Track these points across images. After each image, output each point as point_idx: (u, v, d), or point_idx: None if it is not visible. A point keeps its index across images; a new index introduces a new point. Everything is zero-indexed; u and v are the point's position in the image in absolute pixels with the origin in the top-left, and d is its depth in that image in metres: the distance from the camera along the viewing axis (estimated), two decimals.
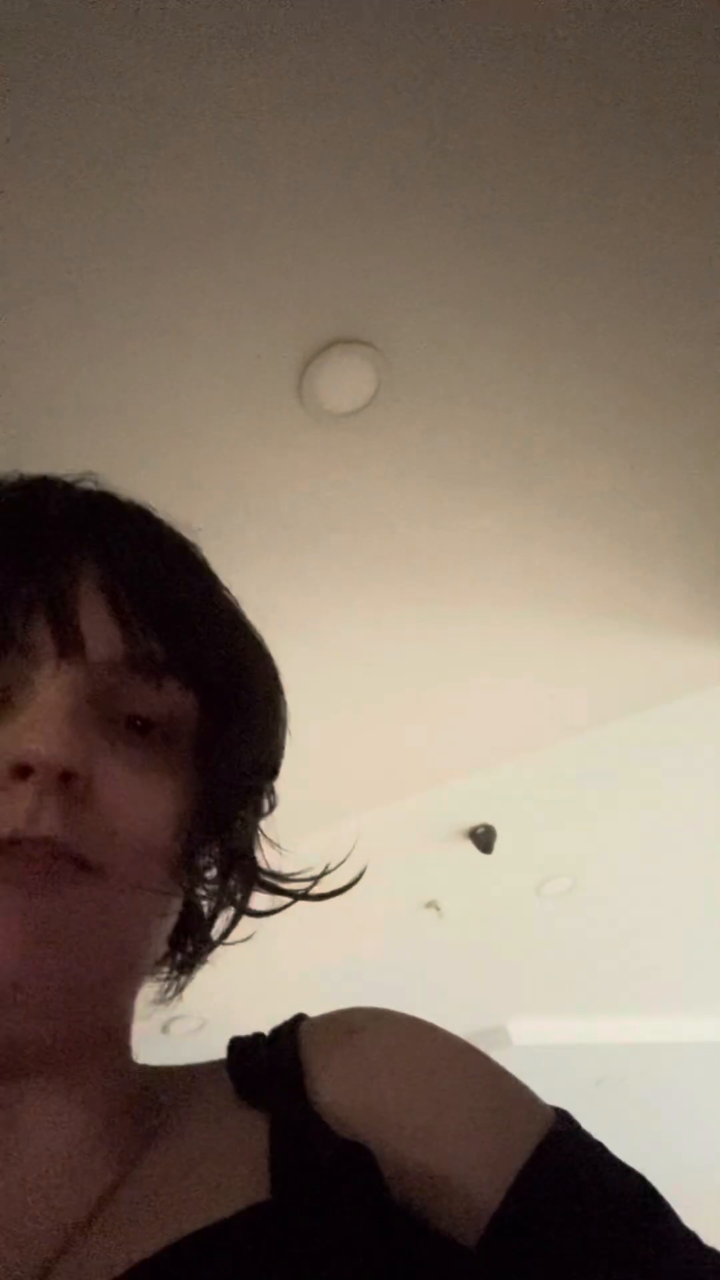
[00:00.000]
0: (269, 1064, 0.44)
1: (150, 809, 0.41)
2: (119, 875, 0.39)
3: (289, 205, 1.48)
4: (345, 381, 1.72)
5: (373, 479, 1.93)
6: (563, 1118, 0.42)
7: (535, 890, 3.29)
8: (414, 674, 2.40)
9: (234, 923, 0.49)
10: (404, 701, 2.48)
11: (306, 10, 1.28)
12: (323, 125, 1.40)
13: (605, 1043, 4.06)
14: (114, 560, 0.43)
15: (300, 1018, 0.48)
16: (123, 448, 1.76)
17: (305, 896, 0.48)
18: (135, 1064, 0.47)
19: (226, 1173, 0.39)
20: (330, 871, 0.49)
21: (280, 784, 0.51)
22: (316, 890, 0.48)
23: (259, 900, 0.49)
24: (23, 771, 0.38)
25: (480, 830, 2.94)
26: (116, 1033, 0.45)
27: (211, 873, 0.47)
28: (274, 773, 0.50)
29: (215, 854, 0.47)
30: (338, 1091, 0.42)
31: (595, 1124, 0.43)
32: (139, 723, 0.42)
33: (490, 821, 2.94)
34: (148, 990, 0.48)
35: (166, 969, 0.49)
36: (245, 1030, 0.49)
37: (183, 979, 0.50)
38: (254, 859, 0.49)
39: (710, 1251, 0.37)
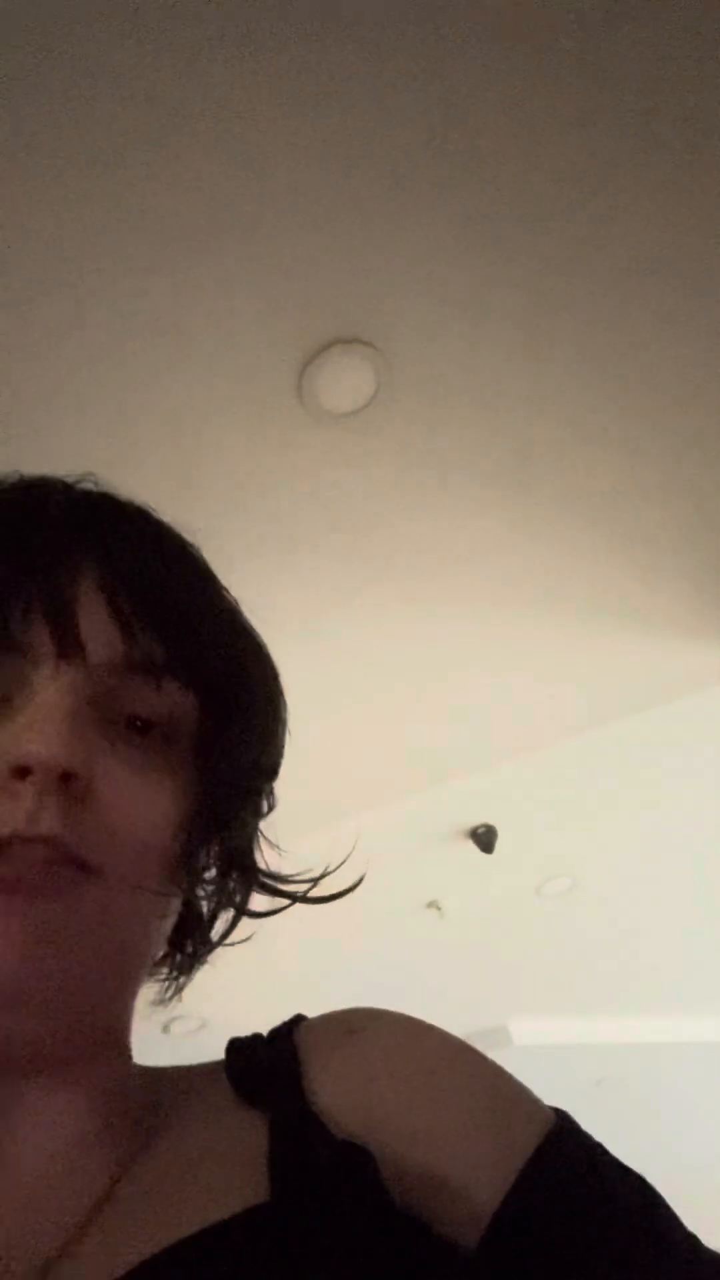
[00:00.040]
0: (268, 1065, 0.44)
1: (150, 809, 0.41)
2: (118, 876, 0.39)
3: (289, 205, 1.48)
4: (345, 381, 1.72)
5: (373, 479, 1.93)
6: (562, 1118, 0.42)
7: (536, 890, 3.29)
8: (414, 673, 2.40)
9: (233, 924, 0.49)
10: (404, 701, 2.48)
11: (307, 10, 1.28)
12: (323, 125, 1.40)
13: (605, 1043, 4.07)
14: (114, 561, 0.43)
15: (299, 1018, 0.48)
16: (123, 447, 1.76)
17: (305, 899, 0.48)
18: (134, 1065, 0.47)
19: (225, 1174, 0.39)
20: (330, 873, 0.49)
21: (280, 784, 0.51)
22: (316, 892, 0.48)
23: (258, 901, 0.49)
24: (22, 772, 0.38)
25: (481, 830, 2.94)
26: (116, 1033, 0.45)
27: (211, 873, 0.47)
28: (274, 773, 0.50)
29: (215, 855, 0.47)
30: (337, 1092, 0.42)
31: (595, 1124, 0.43)
32: (139, 723, 0.42)
33: (491, 821, 2.94)
34: (147, 990, 0.48)
35: (166, 969, 0.49)
36: (246, 1031, 0.48)
37: (182, 979, 0.50)
38: (253, 860, 0.49)
39: (709, 1253, 0.37)
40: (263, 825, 0.50)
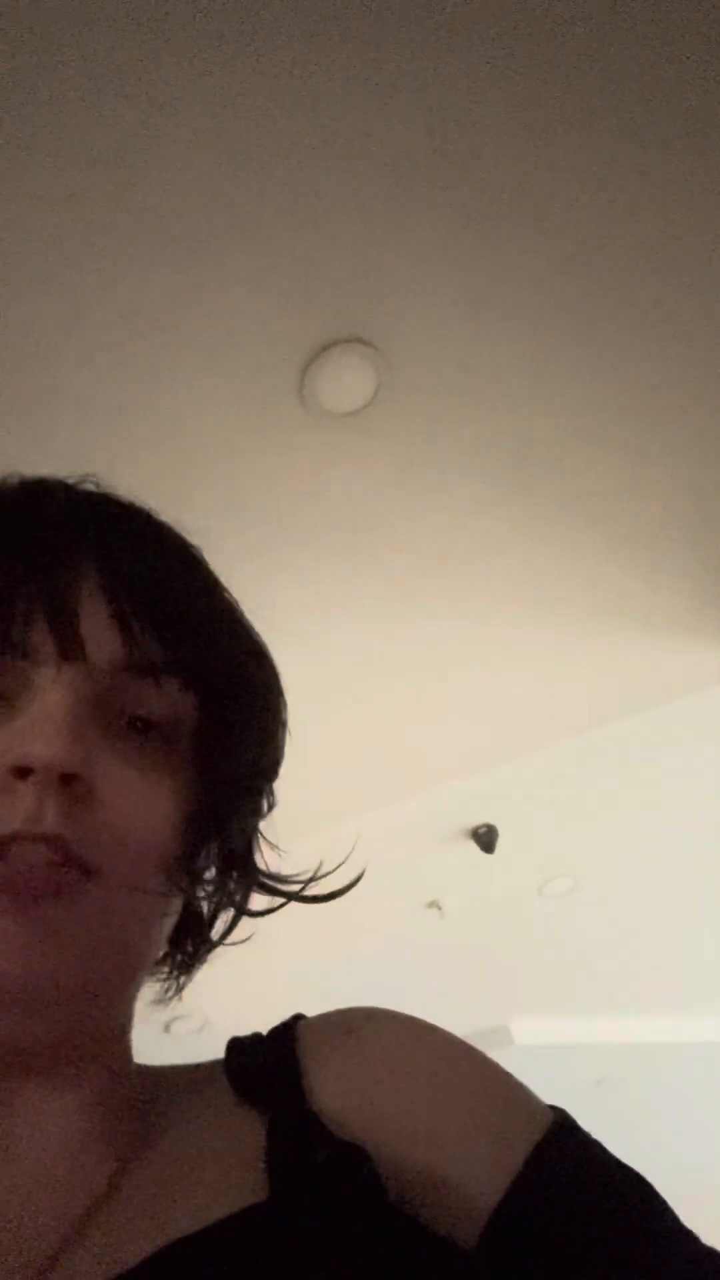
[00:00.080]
0: (267, 1064, 0.44)
1: (150, 810, 0.42)
2: (119, 876, 0.39)
3: (289, 205, 1.48)
4: (346, 381, 1.72)
5: (373, 478, 1.93)
6: (561, 1117, 0.42)
7: (537, 890, 3.29)
8: (415, 674, 2.40)
9: (233, 923, 0.49)
10: (405, 701, 2.48)
11: (307, 10, 1.28)
12: (323, 125, 1.40)
13: (606, 1043, 4.06)
14: (115, 562, 0.43)
15: (298, 1018, 0.48)
16: (123, 448, 1.76)
17: (304, 898, 0.48)
18: (134, 1064, 0.47)
19: (224, 1173, 0.39)
20: (330, 873, 0.49)
21: (281, 784, 0.51)
22: (315, 891, 0.48)
23: (258, 901, 0.49)
24: (24, 773, 0.38)
25: (482, 830, 2.94)
26: (116, 1033, 0.45)
27: (211, 873, 0.48)
28: (274, 773, 0.50)
29: (215, 855, 0.47)
30: (336, 1091, 0.42)
31: (596, 1124, 0.43)
32: (139, 724, 0.42)
33: (492, 821, 2.94)
34: (148, 990, 0.48)
35: (166, 969, 0.49)
36: (248, 1030, 0.49)
37: (182, 979, 0.50)
38: (253, 860, 0.49)
39: (708, 1251, 0.37)
40: (263, 825, 0.50)
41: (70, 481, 0.49)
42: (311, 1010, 0.49)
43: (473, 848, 2.96)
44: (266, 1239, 0.36)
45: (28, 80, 1.29)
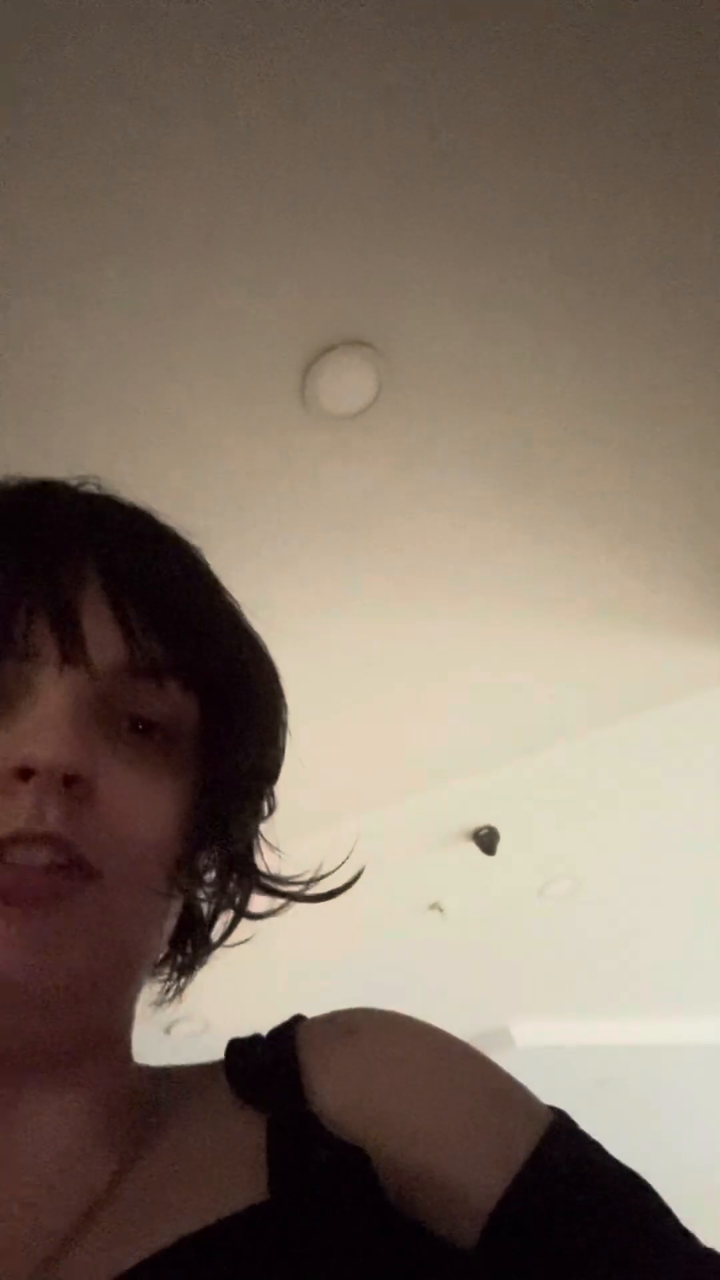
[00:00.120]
0: (267, 1065, 0.45)
1: (151, 811, 0.42)
2: (119, 877, 0.40)
3: (289, 206, 1.48)
4: (347, 383, 1.72)
5: (374, 479, 1.93)
6: (560, 1117, 0.42)
7: (538, 891, 3.29)
8: (415, 674, 2.40)
9: (233, 925, 0.49)
10: (405, 701, 2.48)
11: (308, 10, 1.28)
12: (325, 126, 1.40)
13: (608, 1044, 4.06)
14: (116, 564, 0.43)
15: (298, 1018, 0.48)
16: (124, 449, 1.76)
17: (304, 898, 0.48)
18: (135, 1065, 0.47)
19: (224, 1173, 0.40)
20: (329, 874, 0.49)
21: (281, 785, 0.51)
22: (315, 891, 0.48)
23: (259, 902, 0.49)
24: (26, 774, 0.38)
25: (483, 832, 2.94)
26: (117, 1033, 0.45)
27: (211, 875, 0.48)
28: (274, 775, 0.50)
29: (215, 856, 0.47)
30: (336, 1092, 0.42)
31: (597, 1125, 0.43)
32: (141, 725, 0.43)
33: (492, 823, 2.94)
34: (149, 992, 0.48)
35: (167, 970, 0.49)
36: (248, 1033, 0.49)
37: (183, 980, 0.50)
38: (254, 861, 0.49)
39: (707, 1252, 0.37)
40: (263, 826, 0.50)
41: (72, 483, 0.49)
42: (312, 1012, 0.49)
43: (473, 848, 2.96)
44: (267, 1239, 0.36)
45: (29, 81, 1.29)
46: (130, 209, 1.44)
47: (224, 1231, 0.36)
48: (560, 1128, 0.41)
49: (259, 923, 0.49)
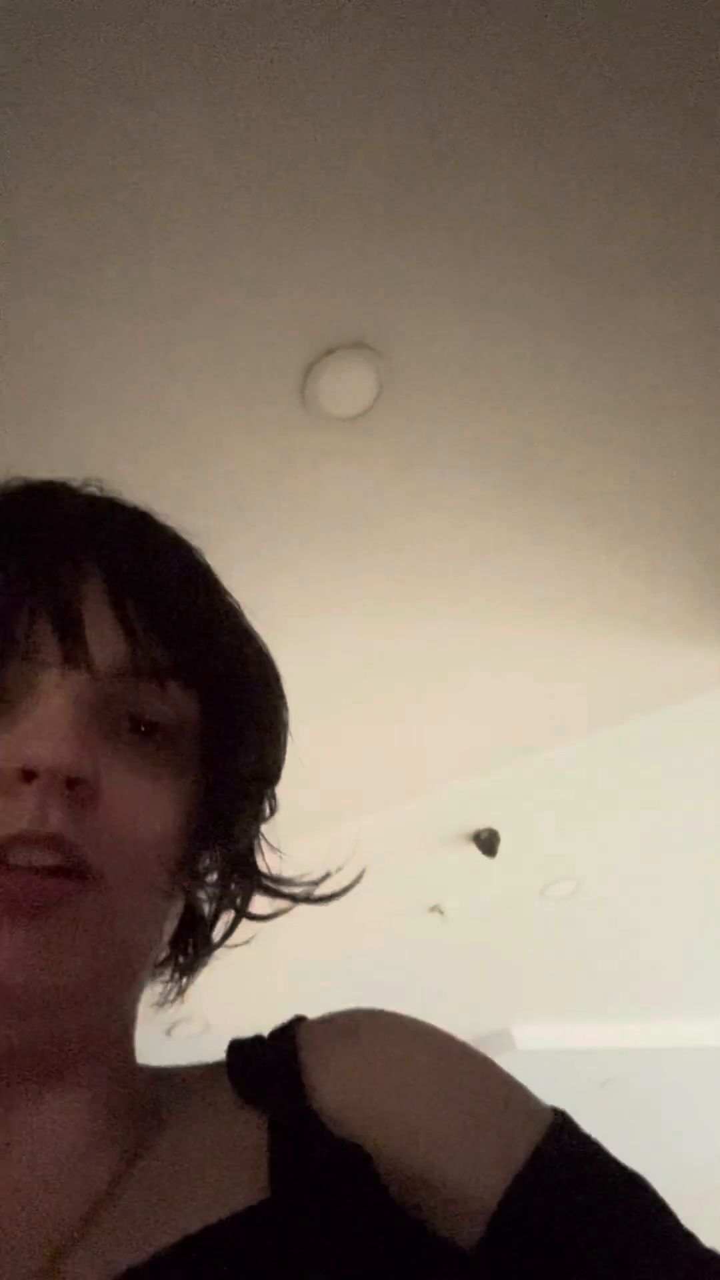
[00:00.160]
0: (268, 1064, 0.45)
1: (153, 813, 0.42)
2: (121, 878, 0.40)
3: (289, 207, 1.48)
4: (347, 385, 1.72)
5: (374, 481, 1.94)
6: (561, 1117, 0.42)
7: (539, 892, 3.29)
8: (415, 674, 2.40)
9: (233, 925, 0.49)
10: (405, 701, 2.48)
11: (307, 10, 1.28)
12: (324, 126, 1.40)
13: (609, 1047, 4.06)
14: (118, 566, 0.44)
15: (299, 1019, 0.48)
16: (124, 449, 1.76)
17: (305, 900, 0.48)
18: (137, 1065, 0.47)
19: (226, 1173, 0.40)
20: (331, 876, 0.49)
21: (282, 785, 0.51)
22: (317, 894, 0.48)
23: (260, 903, 0.49)
24: (28, 776, 0.38)
25: (484, 834, 2.94)
26: (118, 1034, 0.45)
27: (213, 876, 0.48)
28: (276, 776, 0.50)
29: (217, 857, 0.47)
30: (336, 1092, 0.42)
31: (597, 1125, 0.43)
32: (143, 727, 0.43)
33: (493, 824, 2.94)
34: (150, 993, 0.48)
35: (168, 971, 0.49)
36: (250, 1034, 0.49)
37: (184, 981, 0.50)
38: (255, 862, 0.49)
39: (707, 1251, 0.37)
40: (265, 828, 0.50)
41: (73, 484, 0.49)
42: (312, 1013, 0.49)
43: (474, 850, 2.96)
44: (268, 1239, 0.36)
45: (30, 80, 1.29)
46: (130, 209, 1.44)
47: (225, 1231, 0.36)
48: (561, 1127, 0.41)
49: (260, 924, 0.49)
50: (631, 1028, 4.11)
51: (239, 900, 0.49)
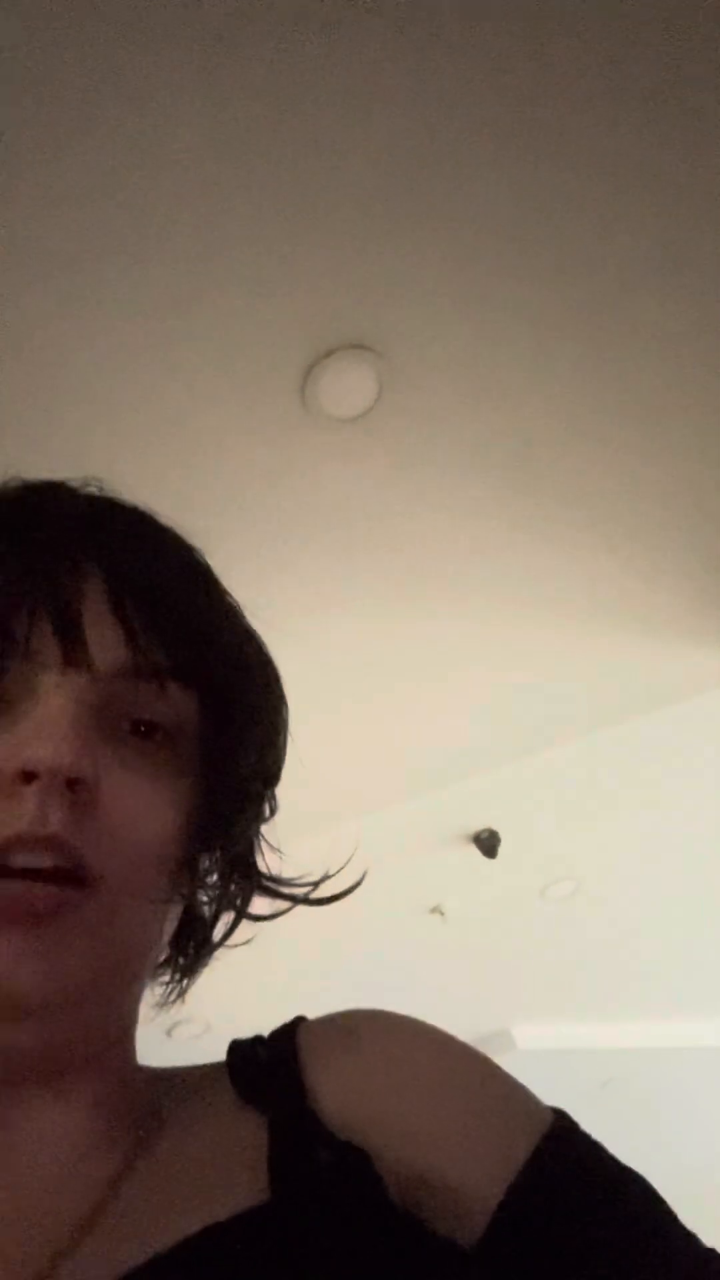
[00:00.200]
0: (268, 1065, 0.45)
1: (153, 814, 0.42)
2: (121, 880, 0.40)
3: (289, 208, 1.48)
4: (348, 386, 1.72)
5: (375, 482, 1.94)
6: (561, 1118, 0.42)
7: (540, 893, 3.29)
8: (415, 674, 2.40)
9: (233, 926, 0.49)
10: (405, 702, 2.48)
11: (308, 10, 1.28)
12: (324, 126, 1.40)
13: (609, 1047, 4.06)
14: (119, 567, 0.43)
15: (300, 1019, 0.48)
16: (124, 449, 1.76)
17: (306, 901, 0.48)
18: (137, 1066, 0.47)
19: (226, 1174, 0.40)
20: (331, 877, 0.49)
21: (282, 785, 0.51)
22: (317, 895, 0.48)
23: (260, 904, 0.49)
24: (28, 777, 0.38)
25: (484, 835, 2.93)
26: (119, 1035, 0.45)
27: (212, 877, 0.48)
28: (276, 777, 0.50)
29: (217, 858, 0.47)
30: (336, 1093, 0.42)
31: (598, 1126, 0.43)
32: (142, 728, 0.43)
33: (493, 825, 2.94)
34: (151, 994, 0.48)
35: (168, 972, 0.49)
36: (250, 1034, 0.49)
37: (185, 982, 0.50)
38: (255, 863, 0.49)
39: (708, 1251, 0.37)
40: (265, 828, 0.50)
41: (73, 484, 0.49)
42: (312, 1014, 0.49)
43: (474, 850, 2.96)
44: (268, 1240, 0.36)
45: (31, 79, 1.29)
46: (130, 209, 1.44)
47: (225, 1232, 0.36)
48: (561, 1128, 0.41)
49: (260, 925, 0.49)
50: (631, 1028, 4.10)
51: (239, 901, 0.49)
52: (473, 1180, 0.38)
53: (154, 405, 1.72)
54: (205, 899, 0.48)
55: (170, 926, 0.46)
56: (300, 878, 0.49)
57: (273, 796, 0.50)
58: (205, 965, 0.51)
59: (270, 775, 0.50)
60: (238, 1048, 0.47)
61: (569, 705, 2.58)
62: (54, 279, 1.51)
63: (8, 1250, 0.37)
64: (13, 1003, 0.37)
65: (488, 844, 2.93)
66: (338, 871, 0.50)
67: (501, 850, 2.95)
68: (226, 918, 0.49)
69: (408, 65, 1.35)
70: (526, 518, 2.07)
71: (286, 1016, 0.49)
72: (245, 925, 0.50)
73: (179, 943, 0.49)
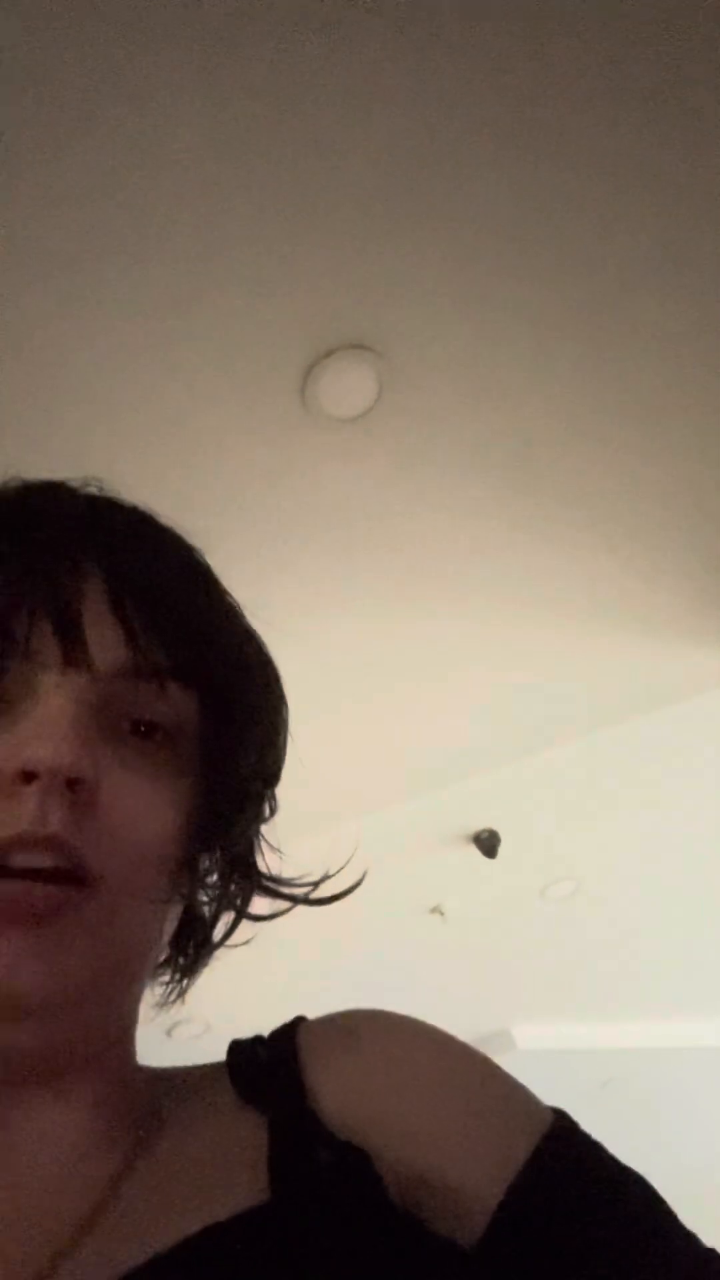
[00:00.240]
0: (268, 1065, 0.45)
1: (153, 814, 0.42)
2: (121, 880, 0.40)
3: (289, 208, 1.48)
4: (348, 386, 1.72)
5: (375, 482, 1.94)
6: (561, 1118, 0.42)
7: (540, 893, 3.29)
8: (415, 674, 2.40)
9: (233, 926, 0.49)
10: (405, 702, 2.48)
11: (307, 12, 1.28)
12: (324, 126, 1.40)
13: (609, 1047, 4.06)
14: (119, 567, 0.43)
15: (299, 1019, 0.48)
16: (124, 451, 1.76)
17: (306, 901, 0.48)
18: (137, 1066, 0.47)
19: (226, 1174, 0.40)
20: (331, 877, 0.49)
21: (282, 785, 0.51)
22: (317, 895, 0.48)
23: (260, 904, 0.49)
24: (28, 777, 0.38)
25: (484, 835, 2.93)
26: (119, 1035, 0.45)
27: (212, 877, 0.48)
28: (276, 777, 0.50)
29: (217, 858, 0.47)
30: (336, 1093, 0.42)
31: (598, 1126, 0.43)
32: (142, 728, 0.43)
33: (493, 825, 2.94)
34: (151, 994, 0.48)
35: (168, 972, 0.49)
36: (250, 1034, 0.49)
37: (185, 982, 0.50)
38: (255, 863, 0.49)
39: (708, 1251, 0.37)
40: (265, 828, 0.50)
41: (73, 484, 0.49)
42: (312, 1014, 0.49)
43: (474, 850, 2.96)
44: (268, 1240, 0.36)
45: (31, 79, 1.29)
46: (130, 209, 1.44)
47: (225, 1232, 0.36)
48: (561, 1128, 0.41)
49: (260, 925, 0.49)
50: (631, 1028, 4.10)
51: (239, 901, 0.49)
52: (473, 1180, 0.38)
53: (154, 405, 1.72)
54: (205, 899, 0.48)
55: (170, 926, 0.46)
56: (300, 878, 0.49)
57: (273, 796, 0.50)
58: (205, 965, 0.51)
59: (270, 775, 0.50)
60: (238, 1048, 0.47)
61: (569, 705, 2.58)
62: (54, 279, 1.51)
63: (8, 1250, 0.37)
64: (13, 1003, 0.37)
65: (488, 844, 2.93)
66: (338, 871, 0.50)
67: (501, 850, 2.95)
68: (226, 918, 0.49)
69: (408, 65, 1.35)
70: (526, 518, 2.07)
71: (286, 1016, 0.49)
72: (245, 925, 0.50)
73: (179, 943, 0.49)
